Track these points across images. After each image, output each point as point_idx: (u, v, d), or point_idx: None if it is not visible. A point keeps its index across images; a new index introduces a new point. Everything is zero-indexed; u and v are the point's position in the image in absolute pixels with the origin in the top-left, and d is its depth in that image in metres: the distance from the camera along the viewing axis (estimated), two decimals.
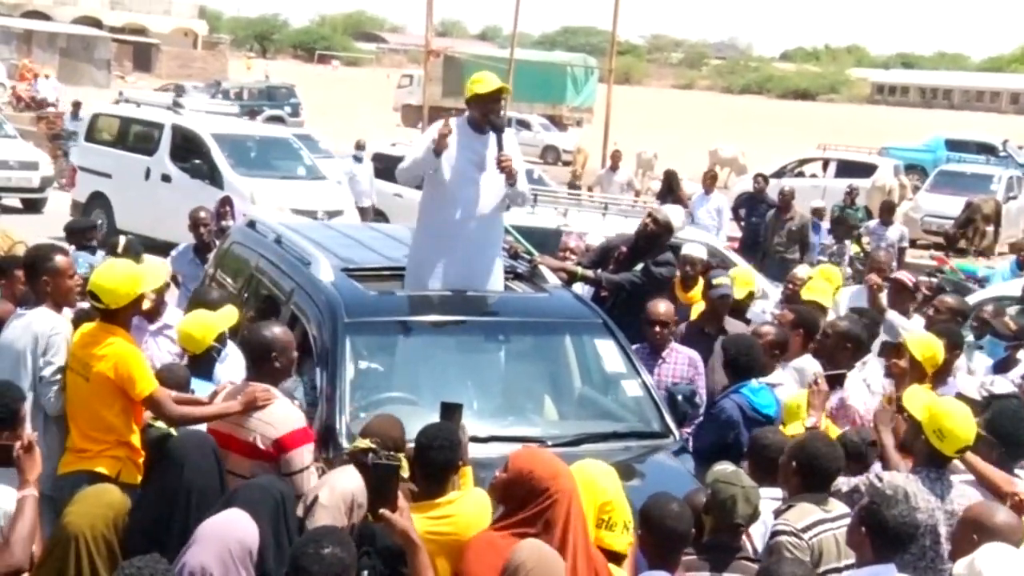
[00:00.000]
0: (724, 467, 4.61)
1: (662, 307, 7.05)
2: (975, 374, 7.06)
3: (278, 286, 6.69)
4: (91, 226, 9.70)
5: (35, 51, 55.80)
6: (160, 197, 15.31)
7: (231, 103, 36.32)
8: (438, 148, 6.28)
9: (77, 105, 26.12)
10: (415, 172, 6.56)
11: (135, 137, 16.75)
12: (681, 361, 6.95)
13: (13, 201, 19.21)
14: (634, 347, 6.74)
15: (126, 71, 58.53)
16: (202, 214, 9.12)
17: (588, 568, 3.96)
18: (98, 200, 16.20)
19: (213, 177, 15.15)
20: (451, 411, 4.78)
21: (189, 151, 15.71)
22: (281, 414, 4.93)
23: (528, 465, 4.07)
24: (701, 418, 6.49)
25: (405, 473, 4.32)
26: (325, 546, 3.52)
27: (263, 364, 5.05)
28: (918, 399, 5.06)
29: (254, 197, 14.52)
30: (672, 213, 8.24)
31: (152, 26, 71.07)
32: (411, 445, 4.48)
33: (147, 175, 15.84)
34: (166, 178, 15.64)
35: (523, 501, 4.00)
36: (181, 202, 9.59)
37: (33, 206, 19.34)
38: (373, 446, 4.39)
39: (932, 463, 4.91)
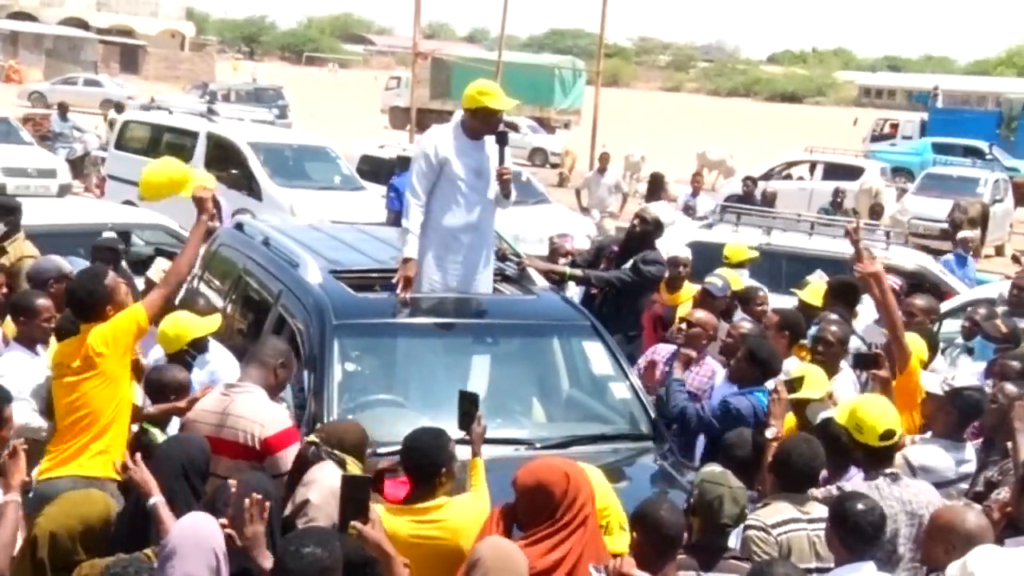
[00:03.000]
0: (712, 468, 4.63)
1: (699, 314, 7.04)
2: (955, 380, 7.07)
3: (266, 288, 6.68)
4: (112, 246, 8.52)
5: (21, 52, 55.71)
6: (195, 208, 14.68)
7: (268, 109, 35.80)
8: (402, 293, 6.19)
9: (64, 107, 26.04)
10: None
11: (167, 146, 16.03)
12: (703, 373, 6.82)
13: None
14: (669, 351, 6.89)
15: (113, 73, 58.34)
16: None
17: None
18: None
19: (251, 188, 14.57)
20: (467, 400, 4.84)
21: (225, 160, 15.08)
22: (269, 415, 4.94)
23: (536, 480, 4.03)
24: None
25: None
26: (306, 545, 3.54)
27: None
28: (841, 411, 5.21)
29: (293, 208, 13.98)
30: (661, 210, 8.35)
31: (139, 27, 70.88)
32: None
33: None
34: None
35: (549, 514, 3.99)
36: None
37: None
38: (316, 440, 4.45)
39: (874, 463, 4.99)
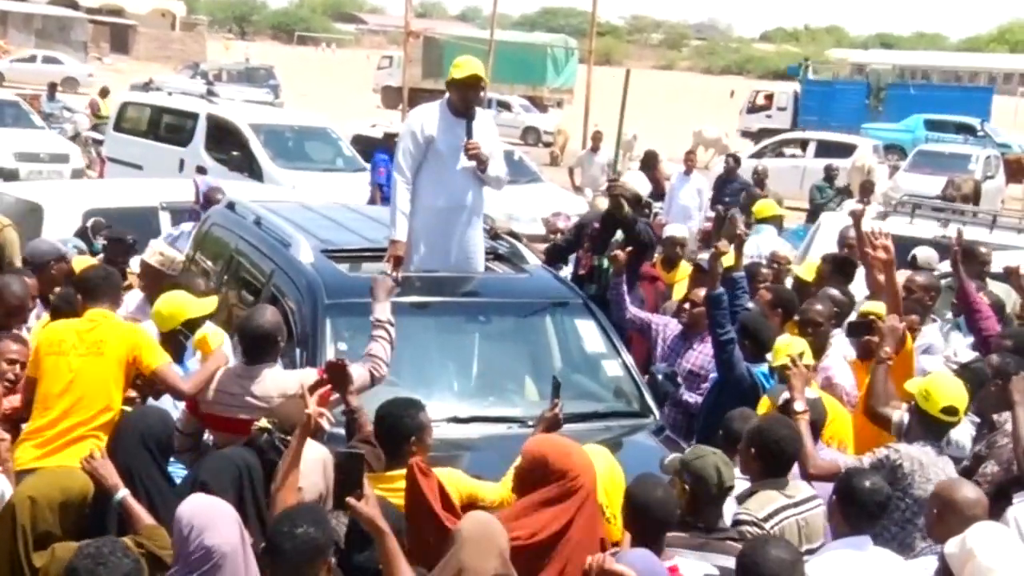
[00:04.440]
0: (690, 449, 4.66)
1: (703, 293, 7.08)
2: (957, 356, 7.10)
3: (258, 268, 6.68)
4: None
5: (11, 32, 55.37)
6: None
7: (263, 89, 35.52)
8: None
9: (53, 87, 25.96)
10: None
11: (167, 127, 16.00)
12: (707, 351, 6.88)
13: None
14: (676, 330, 7.04)
15: (103, 52, 58.03)
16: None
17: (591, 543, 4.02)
18: None
19: (252, 169, 14.40)
20: (555, 385, 4.95)
21: (225, 142, 14.96)
22: (277, 386, 4.92)
23: (540, 451, 4.14)
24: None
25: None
26: (299, 525, 3.56)
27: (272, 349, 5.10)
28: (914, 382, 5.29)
29: (296, 191, 13.59)
30: (636, 182, 8.31)
31: (129, 7, 70.24)
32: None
33: (181, 167, 14.70)
34: (201, 170, 14.26)
35: (539, 485, 4.06)
36: None
37: None
38: (268, 426, 4.44)
39: (929, 432, 5.03)
